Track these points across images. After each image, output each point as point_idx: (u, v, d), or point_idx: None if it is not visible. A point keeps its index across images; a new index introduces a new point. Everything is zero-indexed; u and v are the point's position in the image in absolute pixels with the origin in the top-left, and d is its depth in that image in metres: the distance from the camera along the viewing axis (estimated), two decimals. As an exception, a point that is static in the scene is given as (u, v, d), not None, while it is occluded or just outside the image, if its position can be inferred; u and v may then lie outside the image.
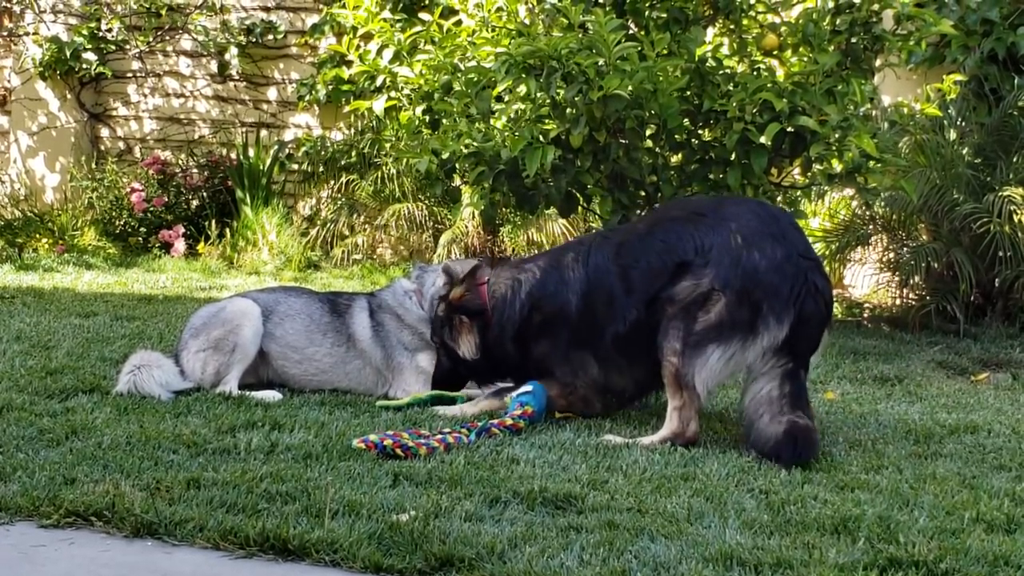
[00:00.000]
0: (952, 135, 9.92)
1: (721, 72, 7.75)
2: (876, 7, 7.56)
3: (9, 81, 15.02)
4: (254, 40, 14.05)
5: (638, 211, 8.33)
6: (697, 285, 5.63)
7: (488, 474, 4.95)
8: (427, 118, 8.23)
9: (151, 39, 13.79)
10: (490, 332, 6.24)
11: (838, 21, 7.65)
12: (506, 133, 7.64)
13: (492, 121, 7.82)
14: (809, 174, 8.01)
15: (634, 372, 6.02)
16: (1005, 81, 10.22)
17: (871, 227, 10.16)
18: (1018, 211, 9.11)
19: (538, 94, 7.46)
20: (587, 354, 6.05)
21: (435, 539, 4.10)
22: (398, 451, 5.20)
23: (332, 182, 13.55)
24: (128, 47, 13.64)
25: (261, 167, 13.42)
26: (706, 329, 5.57)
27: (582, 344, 6.04)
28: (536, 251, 12.27)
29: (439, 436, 5.45)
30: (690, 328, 5.60)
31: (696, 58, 7.61)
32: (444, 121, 8.02)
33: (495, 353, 6.25)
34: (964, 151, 9.81)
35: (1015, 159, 9.60)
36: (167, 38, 14.20)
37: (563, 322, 6.05)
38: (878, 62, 8.32)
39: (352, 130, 13.54)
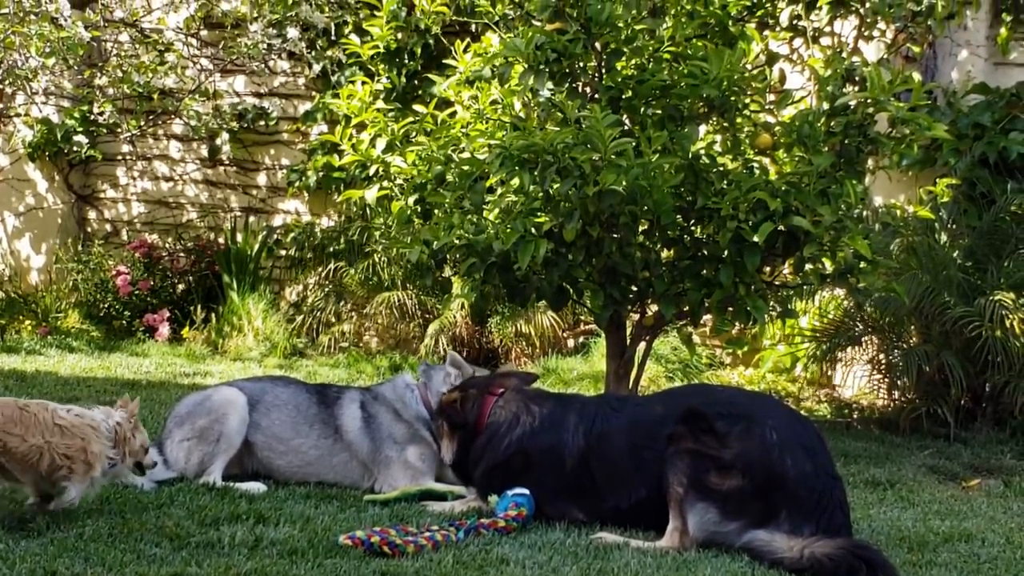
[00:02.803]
0: (943, 238, 9.93)
1: (715, 170, 7.75)
2: (871, 110, 7.58)
3: (-2, 161, 15.00)
4: (245, 125, 14.05)
5: (629, 307, 8.28)
6: (720, 450, 5.59)
7: (477, 574, 4.85)
8: (419, 208, 8.20)
9: (142, 123, 13.80)
10: (473, 448, 6.18)
11: (832, 123, 7.66)
12: (498, 225, 7.61)
13: (484, 213, 7.80)
14: (801, 274, 7.99)
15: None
16: (996, 185, 10.24)
17: (861, 328, 10.13)
18: (1009, 315, 9.08)
19: (531, 187, 7.45)
20: (574, 507, 5.98)
21: (424, 643, 4.00)
22: (385, 548, 5.11)
23: (320, 269, 13.48)
24: (119, 130, 13.63)
25: (249, 252, 13.37)
26: (714, 490, 5.53)
27: (571, 498, 5.98)
28: (524, 343, 12.23)
29: (427, 534, 5.35)
30: (699, 475, 5.56)
31: (690, 155, 7.61)
32: (436, 212, 8.00)
33: (473, 467, 6.19)
34: (955, 254, 9.82)
35: (1006, 263, 9.61)
36: (159, 122, 14.20)
37: (555, 473, 5.98)
38: (870, 163, 8.32)
39: (341, 217, 13.53)
